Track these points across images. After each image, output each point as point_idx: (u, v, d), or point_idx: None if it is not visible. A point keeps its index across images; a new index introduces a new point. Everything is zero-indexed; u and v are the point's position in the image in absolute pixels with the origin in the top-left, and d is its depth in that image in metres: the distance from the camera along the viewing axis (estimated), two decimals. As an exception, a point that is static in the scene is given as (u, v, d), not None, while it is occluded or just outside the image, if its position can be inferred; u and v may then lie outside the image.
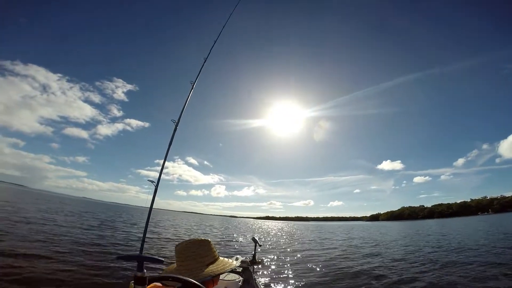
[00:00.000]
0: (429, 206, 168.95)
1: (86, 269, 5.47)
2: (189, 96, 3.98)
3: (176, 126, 3.62)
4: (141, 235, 3.19)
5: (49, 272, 5.00)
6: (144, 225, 3.23)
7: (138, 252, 3.26)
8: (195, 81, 4.19)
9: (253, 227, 42.90)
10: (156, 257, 0.99)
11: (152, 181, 3.20)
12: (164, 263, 1.13)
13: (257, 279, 3.54)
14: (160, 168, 3.42)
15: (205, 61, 4.63)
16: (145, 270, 0.93)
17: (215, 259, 1.48)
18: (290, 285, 6.02)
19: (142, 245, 3.10)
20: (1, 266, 4.95)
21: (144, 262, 0.95)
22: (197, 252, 1.43)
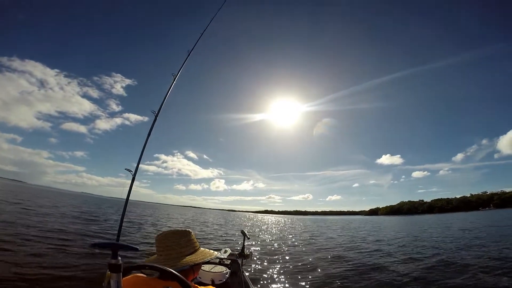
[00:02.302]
0: (428, 201, 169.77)
1: (63, 260, 5.49)
2: (170, 88, 4.03)
3: (156, 117, 3.68)
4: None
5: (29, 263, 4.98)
6: (121, 215, 3.27)
7: (114, 240, 3.34)
8: (177, 74, 4.24)
9: (249, 221, 43.17)
10: (130, 245, 0.97)
11: (129, 170, 3.27)
12: (139, 251, 1.11)
13: (245, 272, 3.57)
14: (138, 158, 3.48)
15: (189, 54, 4.67)
16: (119, 258, 0.91)
17: (195, 250, 1.50)
18: (277, 277, 6.10)
19: (118, 233, 3.17)
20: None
21: (120, 250, 0.93)
22: (177, 242, 1.45)
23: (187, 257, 1.41)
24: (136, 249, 1.00)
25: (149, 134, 3.61)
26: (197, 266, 1.47)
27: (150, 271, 1.31)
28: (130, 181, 3.30)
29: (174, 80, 4.13)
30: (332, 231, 22.40)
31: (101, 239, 8.27)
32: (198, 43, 5.00)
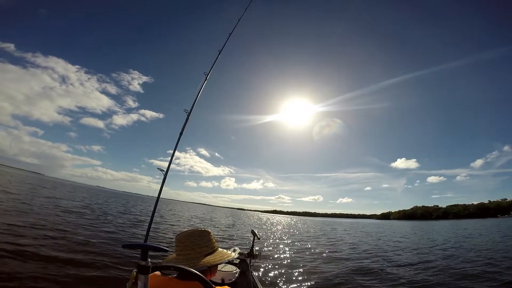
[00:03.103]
0: (443, 207, 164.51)
1: (90, 256, 5.45)
2: (202, 86, 3.98)
3: (188, 116, 3.63)
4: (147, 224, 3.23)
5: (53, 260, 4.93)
6: (150, 214, 3.26)
7: (143, 241, 3.33)
8: (209, 73, 4.18)
9: (259, 220, 43.13)
10: (160, 246, 0.99)
11: (161, 170, 3.23)
12: (169, 252, 1.14)
13: (253, 271, 3.58)
14: (170, 158, 3.44)
15: (219, 54, 4.64)
16: (149, 259, 0.93)
17: (213, 250, 1.50)
18: (285, 278, 6.04)
19: (147, 234, 3.15)
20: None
21: (149, 251, 0.95)
22: (196, 242, 1.45)
23: (206, 258, 1.42)
24: (166, 251, 1.02)
25: (181, 133, 3.56)
26: (215, 266, 1.46)
27: (168, 271, 1.31)
28: (159, 180, 3.26)
29: (205, 79, 4.07)
30: (345, 233, 22.01)
31: (124, 238, 8.32)
32: (227, 44, 4.95)
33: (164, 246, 1.00)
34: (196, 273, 1.15)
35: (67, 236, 6.93)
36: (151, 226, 3.28)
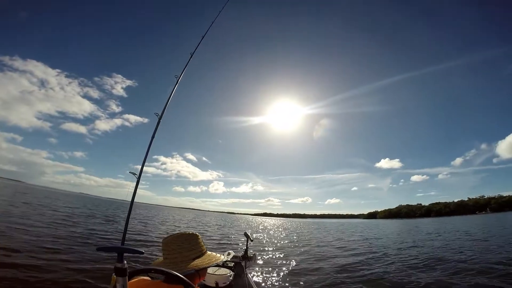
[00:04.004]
0: (426, 205, 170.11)
1: (67, 263, 5.38)
2: (173, 90, 4.01)
3: (160, 119, 3.65)
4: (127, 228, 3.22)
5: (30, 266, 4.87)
6: (126, 217, 3.24)
7: (119, 244, 3.32)
8: (180, 76, 4.23)
9: (249, 223, 43.01)
10: (135, 248, 0.98)
11: (134, 173, 3.24)
12: (144, 254, 1.14)
13: (248, 274, 3.57)
14: (143, 161, 3.45)
15: (191, 56, 4.65)
16: (125, 261, 0.93)
17: (202, 253, 1.49)
18: (281, 280, 6.09)
19: (123, 237, 3.11)
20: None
21: (125, 254, 0.95)
22: (183, 245, 1.44)
23: (193, 261, 1.41)
24: (141, 253, 1.03)
25: (153, 137, 3.57)
26: (203, 270, 1.45)
27: (155, 275, 1.31)
28: (134, 184, 3.27)
29: (177, 82, 4.12)
30: (332, 233, 22.37)
31: (106, 241, 8.18)
32: (199, 46, 5.00)
33: (141, 249, 1.01)
34: (179, 276, 1.15)
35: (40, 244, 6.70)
36: (133, 233, 3.26)
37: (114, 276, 0.96)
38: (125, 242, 3.22)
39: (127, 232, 3.23)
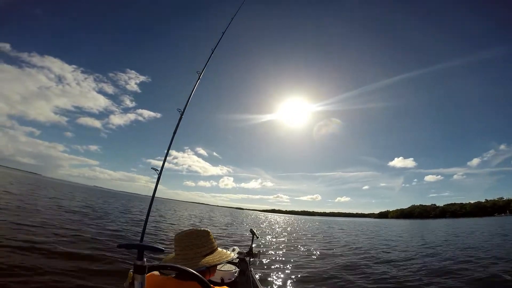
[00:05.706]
0: (441, 205, 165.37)
1: (86, 257, 5.44)
2: (195, 86, 3.98)
3: (181, 115, 3.62)
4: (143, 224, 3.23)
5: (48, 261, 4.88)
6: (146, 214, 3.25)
7: (138, 241, 3.30)
8: (202, 72, 4.19)
9: (257, 219, 43.14)
10: (156, 246, 0.98)
11: (155, 169, 3.24)
12: (165, 252, 1.13)
13: (253, 271, 3.58)
14: (164, 157, 3.45)
15: (212, 52, 4.61)
16: (145, 259, 0.92)
17: (213, 250, 1.49)
18: (285, 276, 6.05)
19: (143, 233, 3.12)
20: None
21: (144, 251, 0.94)
22: (195, 242, 1.44)
23: (205, 258, 1.41)
24: (162, 250, 1.01)
25: (174, 133, 3.56)
26: (213, 267, 1.45)
27: (166, 271, 1.30)
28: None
29: (198, 78, 4.08)
30: (342, 232, 22.11)
31: (123, 238, 8.27)
32: (220, 42, 4.95)
33: (161, 246, 0.99)
34: (194, 273, 1.14)
35: (75, 234, 7.29)
36: (147, 226, 3.28)
37: (130, 272, 0.94)
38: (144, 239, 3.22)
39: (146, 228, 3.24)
